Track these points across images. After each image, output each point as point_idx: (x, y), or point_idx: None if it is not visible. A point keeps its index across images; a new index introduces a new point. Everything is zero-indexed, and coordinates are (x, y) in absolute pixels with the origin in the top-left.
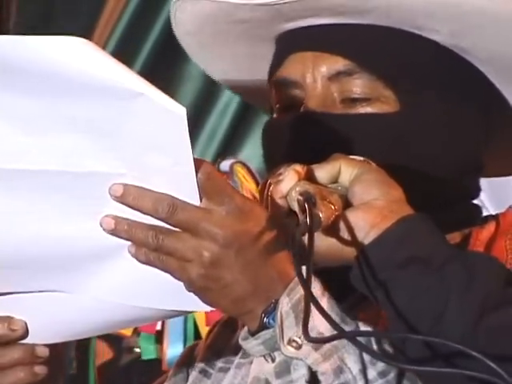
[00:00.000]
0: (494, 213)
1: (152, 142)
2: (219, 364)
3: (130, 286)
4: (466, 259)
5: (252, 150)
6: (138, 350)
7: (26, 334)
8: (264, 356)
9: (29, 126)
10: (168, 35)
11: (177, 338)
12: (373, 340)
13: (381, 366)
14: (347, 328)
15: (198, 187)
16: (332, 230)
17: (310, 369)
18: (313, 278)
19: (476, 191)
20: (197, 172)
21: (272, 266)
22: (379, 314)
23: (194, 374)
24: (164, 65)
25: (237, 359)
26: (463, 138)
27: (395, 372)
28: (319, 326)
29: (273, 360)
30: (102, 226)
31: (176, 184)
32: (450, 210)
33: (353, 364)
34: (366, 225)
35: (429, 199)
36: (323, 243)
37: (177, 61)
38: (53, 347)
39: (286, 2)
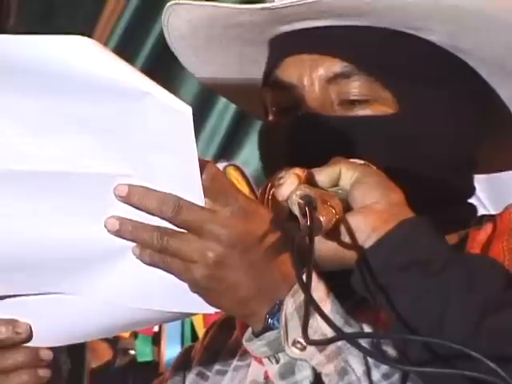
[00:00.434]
0: (492, 211)
1: (157, 141)
2: (216, 366)
3: (134, 288)
4: (466, 262)
5: (251, 151)
6: (133, 352)
7: (30, 336)
8: (268, 357)
9: (34, 126)
10: None
11: (174, 339)
12: (375, 342)
13: (385, 367)
14: (351, 330)
15: (203, 188)
16: (333, 234)
17: (314, 370)
18: (317, 280)
19: (471, 190)
20: (201, 173)
21: (276, 267)
22: (378, 317)
23: (190, 376)
24: (164, 65)
25: (234, 362)
26: (461, 138)
27: (399, 374)
28: (323, 327)
29: (277, 361)
30: (106, 227)
31: (181, 184)
32: (448, 210)
33: (357, 365)
34: (367, 228)
35: (427, 200)
36: (324, 247)
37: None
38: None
39: (285, 6)
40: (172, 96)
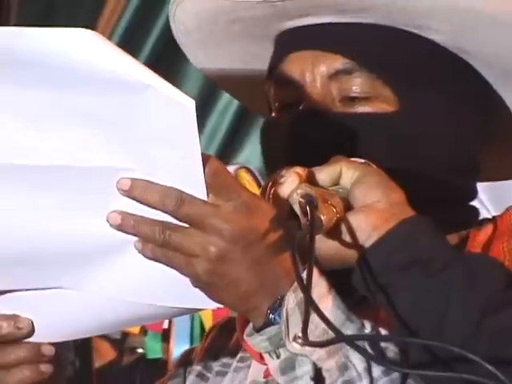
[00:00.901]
0: (494, 214)
1: (160, 134)
2: (216, 367)
3: (136, 283)
4: (467, 261)
5: (252, 150)
6: (140, 350)
7: (31, 332)
8: (269, 352)
9: (36, 120)
10: (167, 36)
11: (183, 337)
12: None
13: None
14: (352, 326)
15: (205, 182)
16: (333, 233)
17: (314, 365)
18: (319, 276)
19: (473, 192)
20: (204, 168)
21: (278, 263)
22: (378, 316)
23: (191, 377)
24: (163, 65)
25: (234, 363)
26: (462, 138)
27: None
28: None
29: (278, 356)
30: (108, 221)
31: (183, 178)
32: (448, 211)
33: (358, 361)
34: (368, 227)
35: (426, 200)
36: (325, 246)
37: (176, 62)
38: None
39: (284, 0)
40: (175, 89)
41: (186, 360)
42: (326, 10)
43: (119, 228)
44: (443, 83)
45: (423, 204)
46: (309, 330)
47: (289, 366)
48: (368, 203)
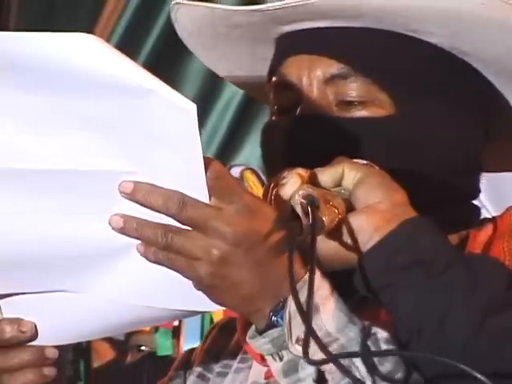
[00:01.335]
0: (494, 214)
1: (162, 138)
2: (217, 368)
3: (138, 286)
4: (468, 262)
5: (252, 150)
6: (144, 348)
7: (35, 335)
8: (272, 355)
9: (36, 124)
10: (167, 35)
11: (194, 334)
12: (380, 341)
13: (388, 366)
14: (354, 328)
15: (207, 186)
16: (335, 234)
17: (317, 368)
18: (321, 278)
19: (475, 192)
20: (206, 171)
21: (280, 265)
22: (378, 316)
23: (191, 378)
24: (163, 65)
25: (235, 364)
26: (462, 140)
27: (402, 373)
28: (327, 325)
29: (280, 359)
30: (110, 224)
31: (185, 181)
32: (449, 211)
33: (360, 364)
34: (370, 228)
35: (427, 201)
36: (326, 246)
37: (176, 61)
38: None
39: (279, 8)
40: (176, 93)
41: (186, 360)
42: (321, 16)
43: (121, 231)
44: (442, 85)
45: (423, 205)
46: None
47: (292, 369)
48: (370, 204)
